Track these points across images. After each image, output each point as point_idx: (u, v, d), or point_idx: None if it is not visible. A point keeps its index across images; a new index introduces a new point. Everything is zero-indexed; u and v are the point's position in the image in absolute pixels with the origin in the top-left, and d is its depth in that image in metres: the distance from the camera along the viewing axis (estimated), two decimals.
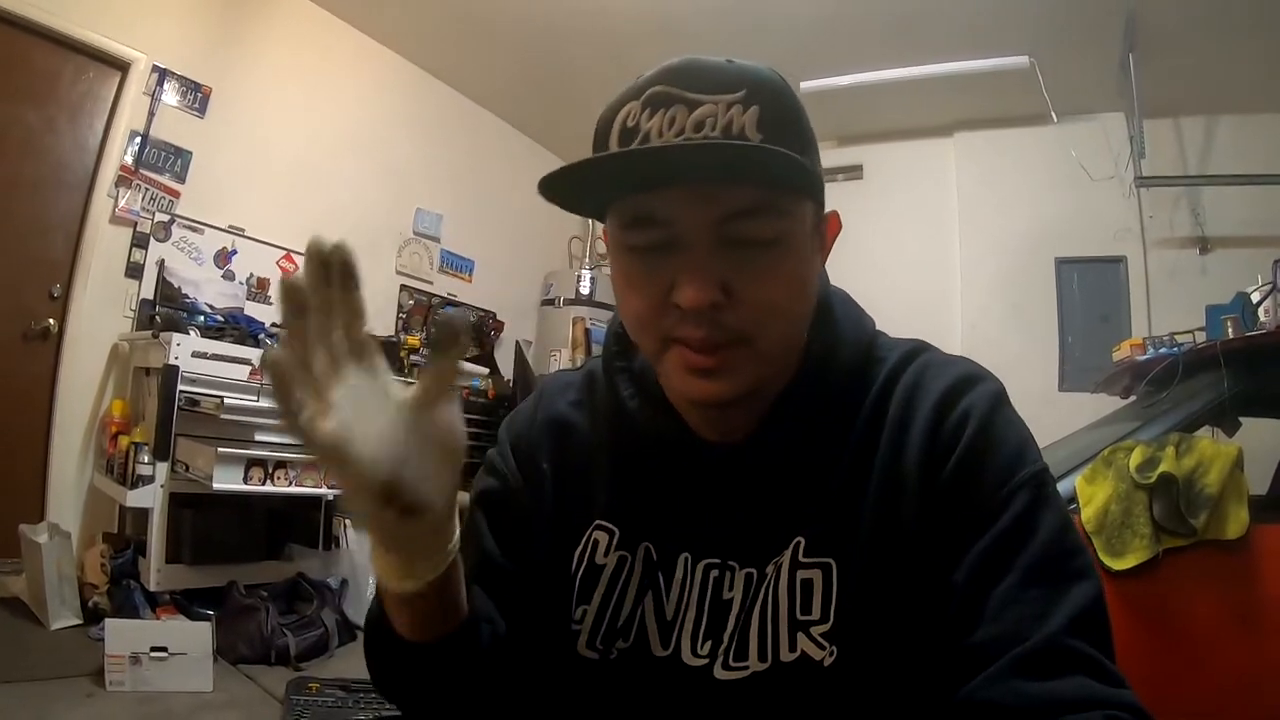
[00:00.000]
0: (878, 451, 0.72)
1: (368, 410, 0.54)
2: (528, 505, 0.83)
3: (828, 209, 0.75)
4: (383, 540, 0.59)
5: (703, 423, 0.76)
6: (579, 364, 0.96)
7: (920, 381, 0.74)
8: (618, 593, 0.77)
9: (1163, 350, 2.89)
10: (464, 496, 0.72)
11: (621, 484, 0.80)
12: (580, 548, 0.79)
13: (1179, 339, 2.89)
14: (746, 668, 0.71)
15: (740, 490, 0.75)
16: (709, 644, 0.73)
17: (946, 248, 5.21)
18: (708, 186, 0.64)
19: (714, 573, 0.75)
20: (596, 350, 5.25)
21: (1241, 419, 2.65)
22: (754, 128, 0.64)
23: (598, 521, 0.80)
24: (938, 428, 0.70)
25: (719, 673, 0.71)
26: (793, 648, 0.69)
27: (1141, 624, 2.18)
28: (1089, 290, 4.94)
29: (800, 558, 0.71)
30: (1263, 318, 2.68)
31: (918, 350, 0.78)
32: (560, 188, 0.67)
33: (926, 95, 4.77)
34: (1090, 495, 2.36)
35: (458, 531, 0.63)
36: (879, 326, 0.82)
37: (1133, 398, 3.19)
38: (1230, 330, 2.67)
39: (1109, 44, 4.11)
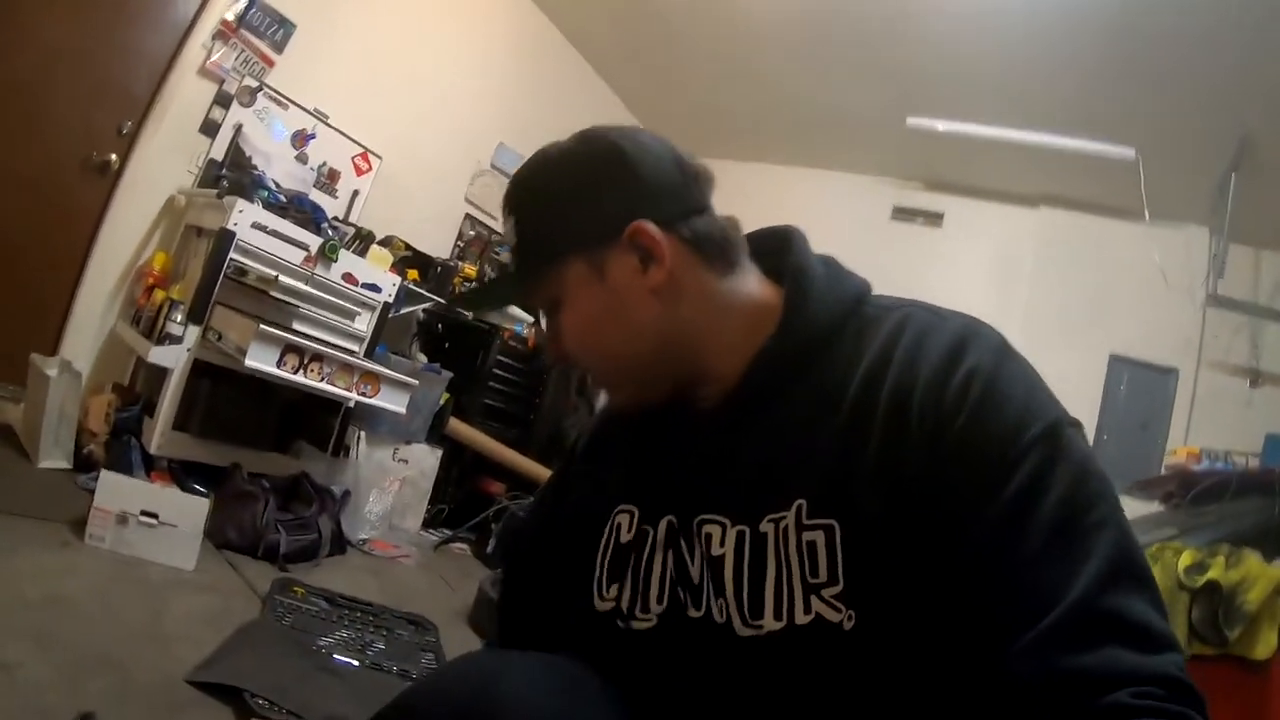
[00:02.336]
0: (877, 414, 0.71)
1: None
2: (567, 511, 0.97)
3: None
4: None
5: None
6: None
7: (920, 343, 0.73)
8: (644, 565, 0.82)
9: (1218, 465, 2.90)
10: None
11: (638, 465, 0.88)
12: (606, 534, 0.87)
13: (1234, 458, 2.90)
14: (762, 626, 0.72)
15: (726, 449, 0.79)
16: (719, 603, 0.76)
17: (1008, 315, 5.11)
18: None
19: (706, 529, 0.78)
20: None
21: None
22: (513, 236, 0.86)
23: (619, 506, 0.87)
24: (942, 390, 0.69)
25: (740, 630, 0.74)
26: (807, 610, 0.70)
27: None
28: (1135, 393, 4.96)
29: (804, 519, 0.71)
30: None
31: (914, 311, 0.78)
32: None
33: (1022, 161, 4.77)
34: None
35: None
36: None
37: (1165, 505, 3.18)
38: None
39: (1215, 160, 4.13)
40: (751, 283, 0.83)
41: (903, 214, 5.55)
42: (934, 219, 5.47)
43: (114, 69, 3.29)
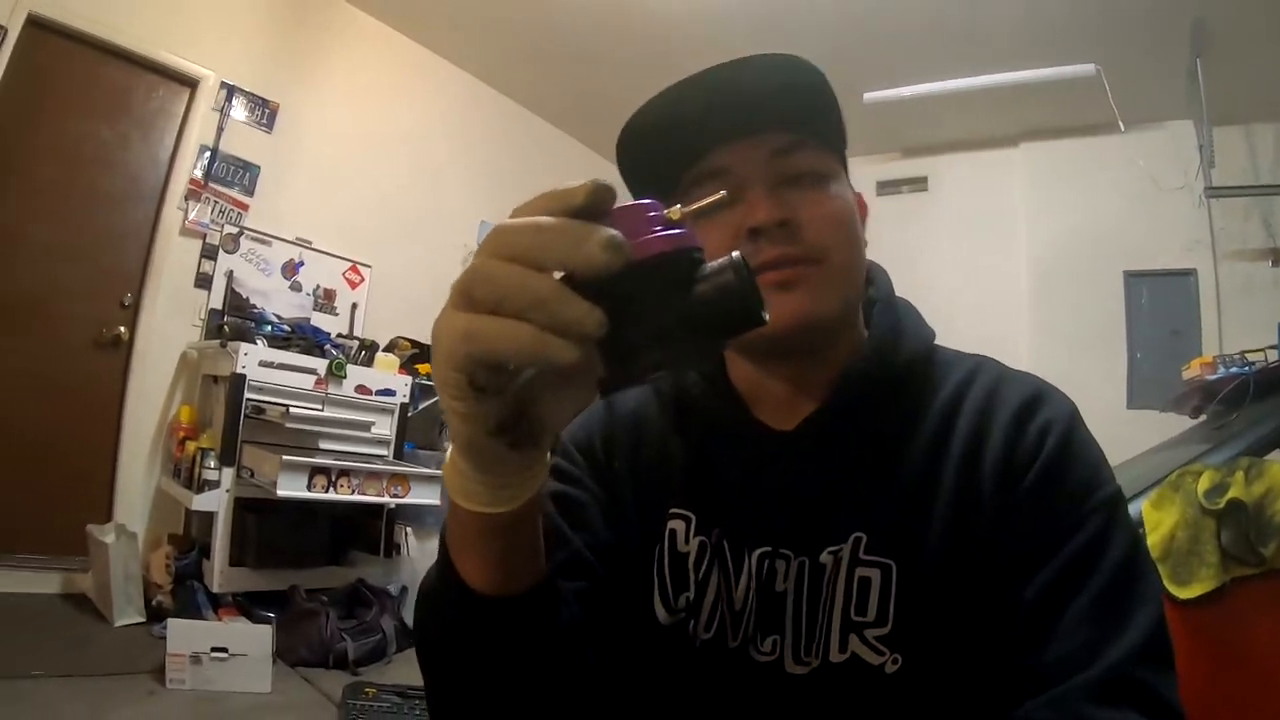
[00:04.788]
0: (949, 457, 0.71)
1: None
2: (604, 505, 0.79)
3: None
4: (482, 464, 0.49)
5: (767, 395, 0.78)
6: None
7: (996, 393, 0.73)
8: (701, 580, 0.75)
9: (1233, 369, 2.80)
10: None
11: (694, 471, 0.79)
12: (663, 540, 0.78)
13: (1250, 357, 2.79)
14: (809, 664, 0.70)
15: (798, 476, 0.74)
16: (772, 640, 0.71)
17: (1013, 260, 5.10)
18: (753, 125, 0.72)
19: (767, 563, 0.73)
20: None
21: None
22: (827, 102, 0.74)
23: (673, 509, 0.78)
24: (1017, 440, 0.69)
25: (791, 667, 0.70)
26: (843, 649, 0.68)
27: (1207, 654, 2.10)
28: (1159, 304, 4.81)
29: (861, 554, 0.70)
30: None
31: (986, 363, 0.78)
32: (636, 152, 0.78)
33: (992, 106, 4.68)
34: (1157, 521, 2.28)
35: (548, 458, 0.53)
36: (945, 339, 0.82)
37: (1202, 418, 3.10)
38: None
39: (1176, 51, 4.01)
40: None
41: (887, 187, 5.45)
42: (918, 184, 5.39)
43: (104, 251, 3.54)
